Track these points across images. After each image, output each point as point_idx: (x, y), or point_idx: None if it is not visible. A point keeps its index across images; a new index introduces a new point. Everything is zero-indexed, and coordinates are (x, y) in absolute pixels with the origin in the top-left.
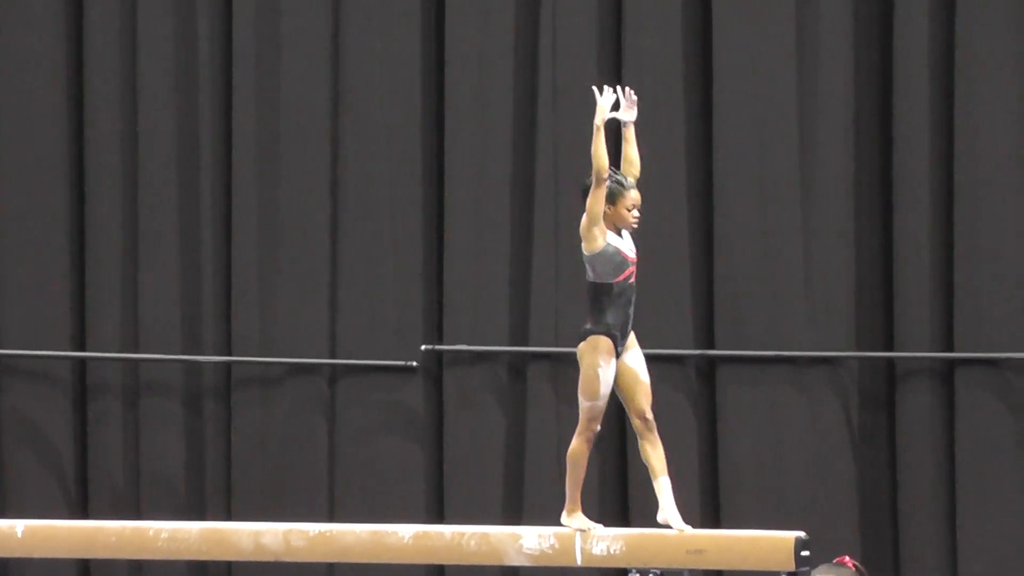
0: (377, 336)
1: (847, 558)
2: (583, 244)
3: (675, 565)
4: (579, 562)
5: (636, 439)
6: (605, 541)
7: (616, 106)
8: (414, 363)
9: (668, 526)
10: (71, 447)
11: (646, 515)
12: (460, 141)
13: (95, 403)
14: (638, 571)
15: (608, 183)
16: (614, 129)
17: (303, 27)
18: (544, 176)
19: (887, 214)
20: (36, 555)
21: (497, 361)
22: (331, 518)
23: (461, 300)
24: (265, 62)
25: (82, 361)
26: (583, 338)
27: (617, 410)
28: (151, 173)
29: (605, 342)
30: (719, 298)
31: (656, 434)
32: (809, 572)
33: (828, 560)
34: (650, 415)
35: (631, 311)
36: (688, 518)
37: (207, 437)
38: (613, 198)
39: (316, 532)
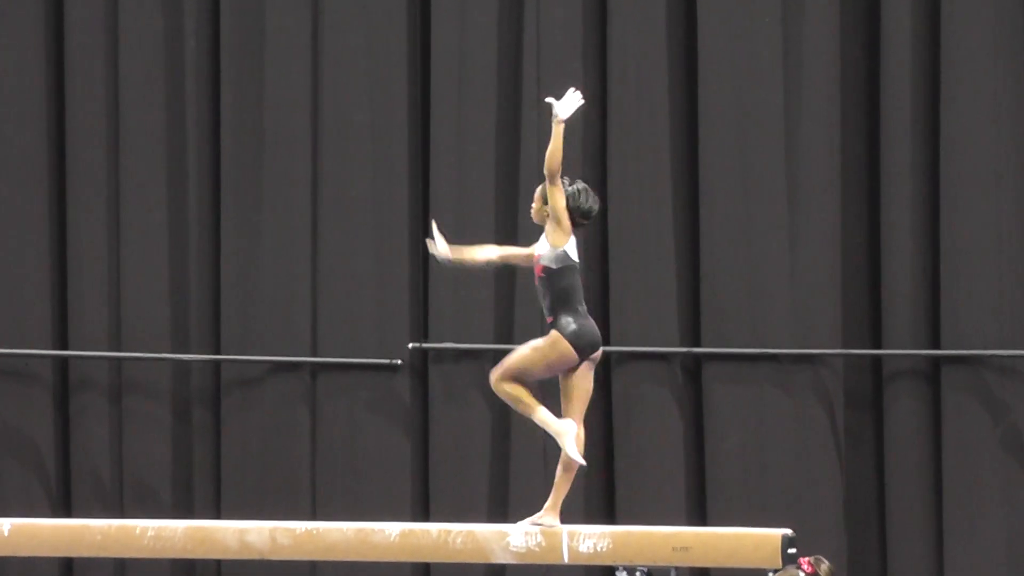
0: (362, 334)
1: (801, 559)
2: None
3: (661, 562)
4: (566, 560)
5: (623, 438)
6: (592, 539)
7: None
8: (399, 361)
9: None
10: (54, 446)
11: (632, 512)
12: (444, 138)
13: (79, 402)
14: (625, 568)
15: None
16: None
17: (287, 27)
18: (528, 173)
19: (872, 212)
20: (22, 553)
21: (483, 358)
22: (316, 516)
23: (447, 297)
24: (250, 60)
25: (64, 360)
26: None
27: (604, 410)
28: (134, 171)
29: None
30: (705, 296)
31: None
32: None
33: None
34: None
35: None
36: (674, 515)
37: (192, 435)
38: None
39: (302, 530)
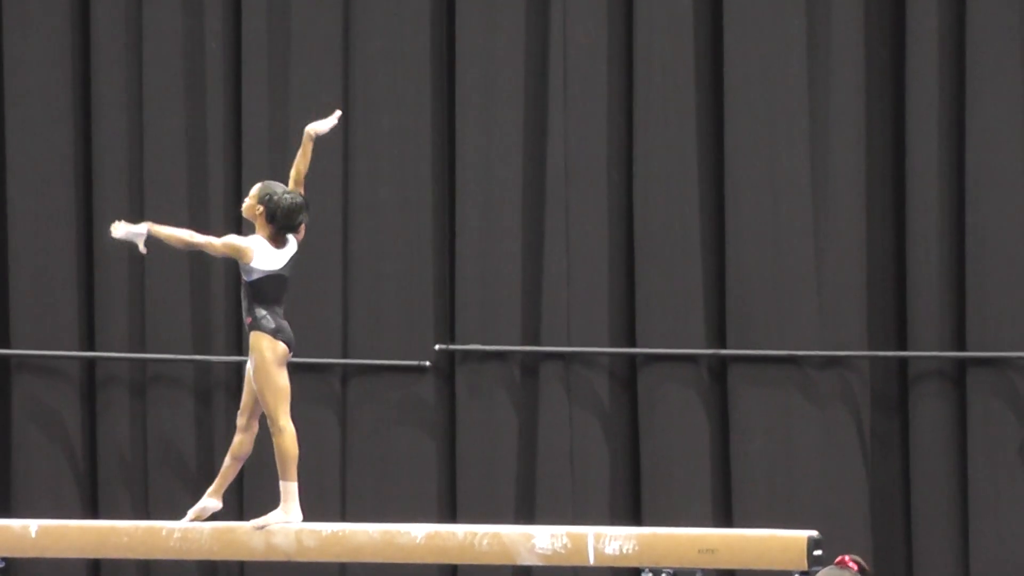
0: (389, 336)
1: (847, 558)
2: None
3: (687, 565)
4: (592, 562)
5: (648, 439)
6: (618, 540)
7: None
8: (427, 363)
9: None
10: (81, 447)
11: (658, 514)
12: (471, 140)
13: (105, 402)
14: (651, 571)
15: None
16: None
17: (313, 27)
18: (555, 175)
19: (899, 214)
20: (49, 555)
21: (509, 360)
22: (343, 518)
23: (473, 299)
24: (275, 61)
25: (91, 361)
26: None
27: (629, 412)
28: (159, 174)
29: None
30: (731, 298)
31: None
32: (817, 572)
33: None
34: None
35: None
36: (700, 517)
37: (217, 435)
38: None
39: (328, 532)
